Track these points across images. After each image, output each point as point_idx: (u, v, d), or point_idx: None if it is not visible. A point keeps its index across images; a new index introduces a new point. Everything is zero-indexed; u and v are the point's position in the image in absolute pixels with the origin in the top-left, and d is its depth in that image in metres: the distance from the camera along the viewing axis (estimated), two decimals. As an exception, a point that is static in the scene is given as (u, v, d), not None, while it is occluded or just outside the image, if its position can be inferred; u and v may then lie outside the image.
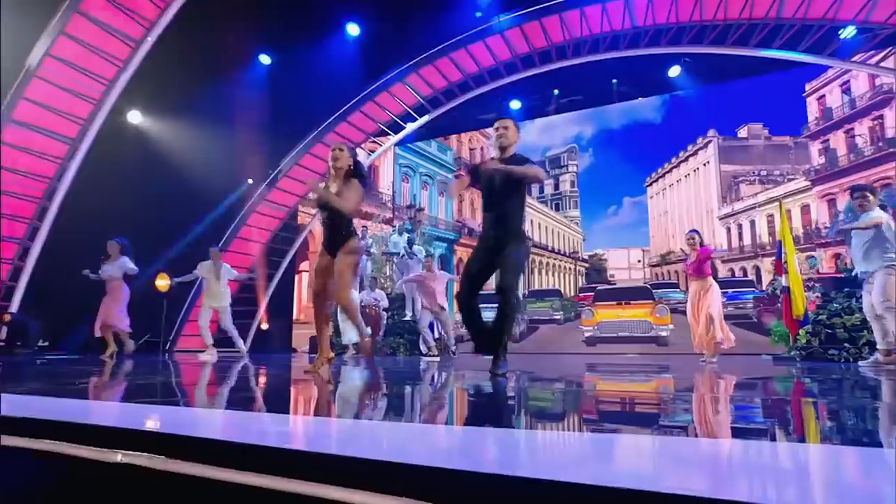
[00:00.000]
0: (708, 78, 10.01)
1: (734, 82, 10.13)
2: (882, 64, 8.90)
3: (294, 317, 12.36)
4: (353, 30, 10.53)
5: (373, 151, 12.17)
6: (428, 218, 12.62)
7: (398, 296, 10.26)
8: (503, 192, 3.56)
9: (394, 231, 11.20)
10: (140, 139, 9.94)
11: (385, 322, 9.81)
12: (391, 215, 12.54)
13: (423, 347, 9.35)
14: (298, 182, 11.33)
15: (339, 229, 3.81)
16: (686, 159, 11.07)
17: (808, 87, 10.08)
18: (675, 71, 10.19)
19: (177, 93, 9.61)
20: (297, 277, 12.60)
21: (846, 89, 9.99)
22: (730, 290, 10.12)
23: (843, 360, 6.49)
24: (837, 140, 9.85)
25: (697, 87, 10.19)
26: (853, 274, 5.69)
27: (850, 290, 6.85)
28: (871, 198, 5.18)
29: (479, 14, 9.74)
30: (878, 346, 5.21)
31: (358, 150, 11.74)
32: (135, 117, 10.10)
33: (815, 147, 9.96)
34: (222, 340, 8.53)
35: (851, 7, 7.87)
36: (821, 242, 9.69)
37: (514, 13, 9.44)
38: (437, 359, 8.20)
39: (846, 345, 6.34)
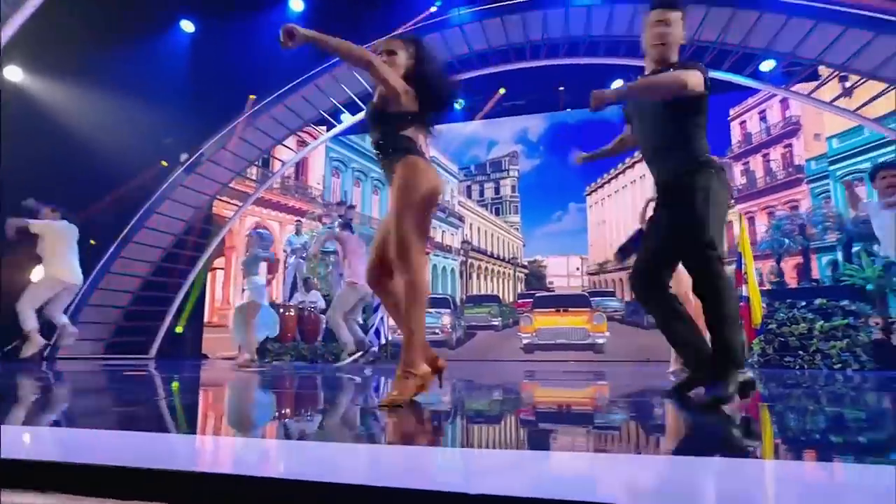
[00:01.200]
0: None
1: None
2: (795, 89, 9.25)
3: (206, 319, 10.42)
4: (296, 5, 9.11)
5: (304, 143, 10.70)
6: (360, 216, 11.35)
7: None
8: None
9: (331, 228, 9.81)
10: (22, 100, 7.73)
11: (324, 326, 8.44)
12: (321, 212, 11.11)
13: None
14: (224, 169, 9.58)
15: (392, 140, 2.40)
16: (623, 171, 10.95)
17: (732, 112, 10.37)
18: (617, 83, 9.99)
19: (75, 52, 7.63)
20: (209, 275, 10.67)
21: (763, 117, 10.40)
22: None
23: (798, 367, 6.38)
24: (756, 163, 10.20)
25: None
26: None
27: (792, 301, 6.80)
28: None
29: (436, 6, 8.81)
30: None
31: (290, 142, 10.25)
32: (13, 74, 7.88)
33: (737, 168, 10.23)
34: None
35: (785, 42, 7.95)
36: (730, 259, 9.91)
37: (476, 7, 8.64)
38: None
39: (800, 352, 6.20)
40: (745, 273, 6.49)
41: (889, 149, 8.59)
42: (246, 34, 9.10)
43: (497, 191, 11.84)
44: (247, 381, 4.07)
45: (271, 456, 1.37)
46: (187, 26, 9.61)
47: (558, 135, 10.80)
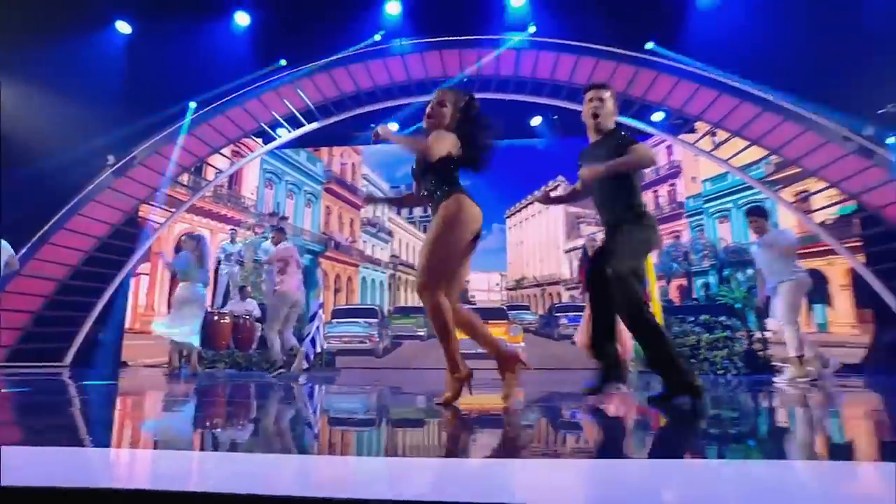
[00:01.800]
0: (563, 132, 10.86)
1: (581, 139, 11.19)
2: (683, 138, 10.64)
3: (127, 325, 9.79)
4: (241, 19, 9.04)
5: (238, 152, 10.52)
6: (292, 228, 11.28)
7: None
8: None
9: (265, 237, 9.71)
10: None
11: (258, 334, 8.34)
12: (254, 221, 10.91)
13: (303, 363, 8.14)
14: (156, 174, 9.18)
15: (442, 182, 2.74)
16: (539, 199, 11.88)
17: (630, 152, 11.63)
18: (536, 121, 10.89)
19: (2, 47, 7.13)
20: (133, 281, 10.06)
21: (654, 159, 11.79)
22: (570, 314, 10.96)
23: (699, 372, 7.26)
24: (648, 198, 11.52)
25: (555, 138, 11.00)
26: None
27: (682, 317, 7.81)
28: (760, 220, 5.29)
29: (379, 35, 9.17)
30: (789, 355, 5.04)
31: (226, 151, 10.04)
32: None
33: (634, 201, 11.48)
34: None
35: (678, 97, 9.17)
36: (637, 277, 11.10)
37: (415, 40, 9.11)
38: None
39: (691, 360, 7.15)
40: (649, 292, 7.39)
41: (749, 192, 10.16)
42: (187, 41, 8.85)
43: (424, 209, 12.28)
44: (179, 390, 3.96)
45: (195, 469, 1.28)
46: (123, 27, 9.18)
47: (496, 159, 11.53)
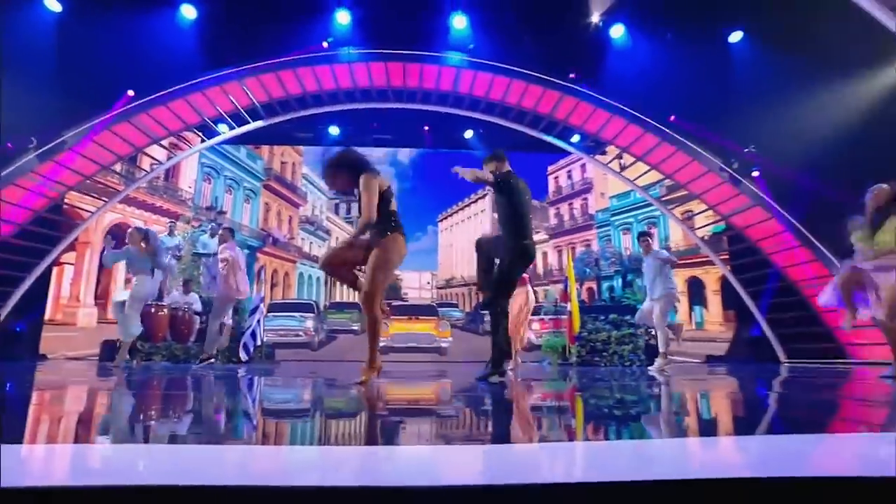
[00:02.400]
0: (492, 145, 11.56)
1: (509, 153, 11.96)
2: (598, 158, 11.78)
3: (48, 316, 9.09)
4: (188, 12, 8.74)
5: (175, 145, 10.11)
6: (230, 223, 10.98)
7: (209, 299, 8.65)
8: None
9: (203, 231, 9.43)
10: None
11: (197, 326, 8.15)
12: (192, 214, 10.50)
13: (243, 354, 8.09)
14: (88, 160, 8.62)
15: (380, 220, 3.28)
16: (469, 205, 12.47)
17: (550, 168, 12.63)
18: (468, 134, 11.51)
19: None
20: (55, 270, 9.34)
21: (569, 175, 12.87)
22: (494, 310, 11.69)
23: (603, 364, 8.04)
24: (564, 209, 12.57)
25: (485, 150, 11.67)
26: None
27: (595, 315, 8.68)
28: (650, 241, 6.21)
29: (328, 41, 9.28)
30: (660, 351, 6.01)
31: (165, 143, 9.62)
32: None
33: (552, 211, 12.48)
34: None
35: (594, 123, 10.15)
36: (552, 280, 12.09)
37: (362, 50, 9.32)
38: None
39: (603, 353, 8.01)
40: (569, 293, 8.16)
41: (648, 208, 11.48)
42: (127, 27, 8.39)
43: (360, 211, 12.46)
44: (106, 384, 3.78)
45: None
46: (52, 4, 8.50)
47: (424, 166, 11.98)
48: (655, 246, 6.52)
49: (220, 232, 6.82)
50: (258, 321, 8.45)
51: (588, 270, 11.09)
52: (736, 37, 9.17)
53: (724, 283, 11.04)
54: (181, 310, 7.99)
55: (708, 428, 1.99)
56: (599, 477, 1.00)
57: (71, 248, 9.39)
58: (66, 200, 9.17)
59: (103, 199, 8.97)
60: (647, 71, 9.18)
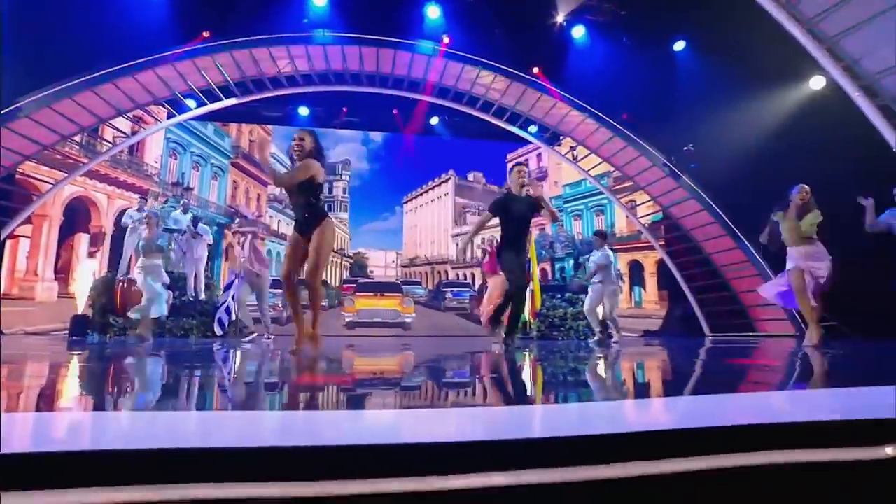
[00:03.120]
0: (456, 132, 11.76)
1: (472, 141, 12.19)
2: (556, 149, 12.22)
3: (3, 290, 8.46)
4: (159, -17, 8.22)
5: (140, 118, 9.52)
6: (198, 199, 10.54)
7: (180, 275, 8.39)
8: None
9: (175, 207, 9.02)
10: None
11: (168, 301, 7.88)
12: (159, 190, 9.98)
13: (218, 329, 7.95)
14: (46, 130, 8.00)
15: (314, 208, 3.49)
16: (433, 188, 12.61)
17: (509, 156, 12.95)
18: (434, 120, 11.61)
19: None
20: (9, 243, 8.64)
21: (526, 163, 13.26)
22: (455, 290, 12.02)
23: (561, 338, 8.56)
24: (521, 195, 12.99)
25: (450, 137, 11.84)
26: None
27: (552, 294, 9.19)
28: (600, 239, 6.92)
29: (306, 20, 9.02)
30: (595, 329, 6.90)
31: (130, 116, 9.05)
32: None
33: (510, 197, 12.85)
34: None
35: (554, 116, 10.49)
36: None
37: (338, 34, 9.13)
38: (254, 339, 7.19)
39: (561, 328, 8.52)
40: (531, 273, 8.53)
41: (598, 196, 12.12)
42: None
43: (330, 190, 12.32)
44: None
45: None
46: (5, -38, 7.72)
47: (392, 148, 11.99)
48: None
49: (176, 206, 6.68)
50: (233, 296, 8.31)
51: (543, 252, 11.61)
52: (679, 46, 9.77)
53: (660, 266, 11.95)
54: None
55: (642, 390, 2.24)
56: (552, 433, 1.10)
57: (27, 220, 8.74)
58: (18, 170, 8.48)
59: (61, 170, 8.37)
60: (603, 70, 9.63)
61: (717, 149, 9.45)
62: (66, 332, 7.72)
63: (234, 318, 8.31)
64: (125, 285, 7.42)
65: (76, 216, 9.30)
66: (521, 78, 9.76)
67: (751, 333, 9.53)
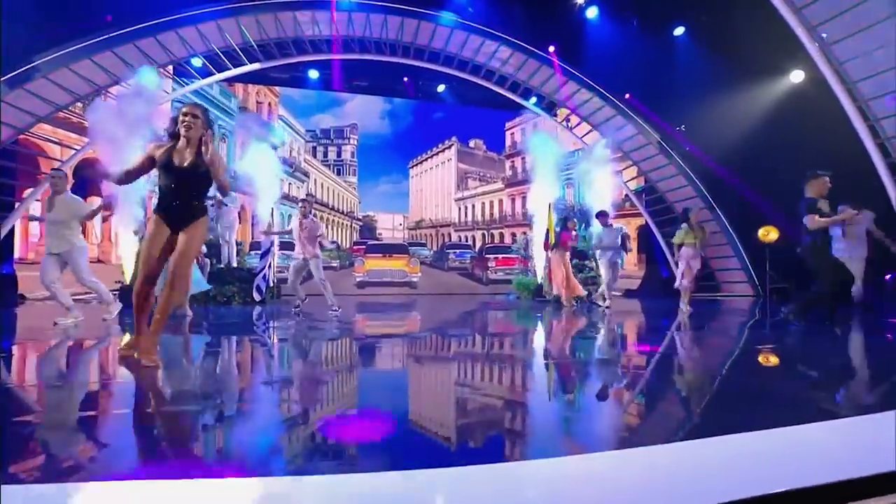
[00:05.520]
0: (460, 100, 11.76)
1: (474, 108, 12.23)
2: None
3: (19, 255, 7.96)
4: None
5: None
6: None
7: (212, 243, 8.24)
8: None
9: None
10: None
11: (207, 270, 7.80)
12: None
13: (256, 295, 8.03)
14: (63, 91, 7.36)
15: (193, 200, 2.74)
16: (437, 154, 12.65)
17: (507, 125, 13.13)
18: (441, 88, 11.52)
19: None
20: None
21: (523, 131, 13.53)
22: (458, 251, 12.46)
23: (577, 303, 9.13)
24: (517, 162, 13.32)
25: (454, 104, 11.83)
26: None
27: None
28: (604, 218, 7.32)
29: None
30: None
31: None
32: None
33: (508, 164, 13.17)
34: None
35: (564, 93, 10.68)
36: (507, 224, 13.05)
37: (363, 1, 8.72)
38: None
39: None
40: (550, 242, 8.94)
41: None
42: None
43: (339, 154, 12.05)
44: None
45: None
46: None
47: (399, 115, 11.86)
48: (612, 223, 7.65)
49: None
50: (269, 264, 8.34)
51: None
52: (679, 31, 10.16)
53: (640, 231, 12.92)
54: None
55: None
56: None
57: (34, 182, 8.14)
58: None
59: (68, 132, 7.77)
60: (612, 51, 9.91)
61: (705, 131, 10.19)
62: (95, 298, 7.54)
63: (270, 284, 8.38)
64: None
65: (85, 180, 8.66)
66: (536, 55, 9.85)
67: (717, 294, 10.78)
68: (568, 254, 7.75)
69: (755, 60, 9.20)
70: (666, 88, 10.37)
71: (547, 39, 9.89)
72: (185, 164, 2.61)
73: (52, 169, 5.38)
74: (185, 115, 2.66)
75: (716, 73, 9.62)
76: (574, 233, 7.77)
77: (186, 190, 2.66)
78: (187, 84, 8.81)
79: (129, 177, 2.73)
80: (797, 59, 8.69)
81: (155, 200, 3.04)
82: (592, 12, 9.75)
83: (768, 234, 9.61)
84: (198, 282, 5.88)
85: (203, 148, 2.63)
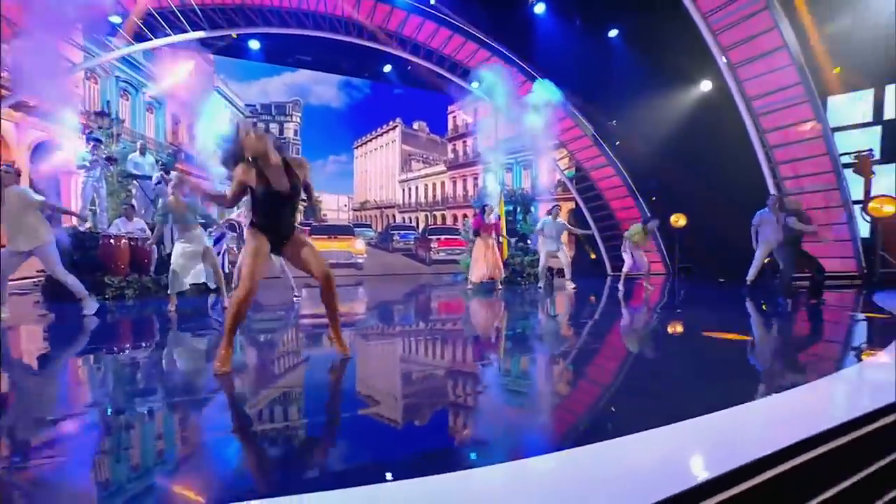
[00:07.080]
0: (407, 82, 11.67)
1: (419, 90, 12.17)
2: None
3: None
4: None
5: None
6: (131, 133, 8.95)
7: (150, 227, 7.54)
8: None
9: (132, 149, 7.71)
10: None
11: (155, 256, 7.17)
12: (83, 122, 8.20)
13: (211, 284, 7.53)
14: None
15: (293, 217, 2.79)
16: (381, 135, 12.42)
17: (450, 108, 13.26)
18: (387, 68, 11.30)
19: None
20: None
21: (464, 115, 13.75)
22: (402, 232, 12.53)
23: (524, 285, 9.71)
24: (459, 145, 13.56)
25: (400, 85, 11.70)
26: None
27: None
28: (557, 212, 8.13)
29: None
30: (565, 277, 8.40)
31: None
32: None
33: (451, 146, 13.34)
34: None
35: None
36: (448, 206, 13.32)
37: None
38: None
39: (523, 275, 9.63)
40: (500, 225, 9.40)
41: (527, 152, 13.33)
42: None
43: (281, 132, 11.32)
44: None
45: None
46: None
47: (347, 94, 11.39)
48: (563, 217, 8.42)
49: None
50: (223, 250, 7.85)
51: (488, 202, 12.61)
52: (613, 33, 10.95)
53: (570, 214, 13.95)
54: (139, 239, 6.94)
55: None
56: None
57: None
58: None
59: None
60: (555, 46, 10.44)
61: (633, 126, 11.23)
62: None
63: (226, 271, 7.89)
64: (112, 241, 6.58)
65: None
66: (486, 44, 10.07)
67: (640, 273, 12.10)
68: (491, 238, 7.99)
69: (675, 68, 10.26)
70: (603, 86, 11.19)
71: (498, 31, 10.13)
72: (286, 189, 2.61)
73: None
74: (251, 135, 2.57)
75: (643, 75, 10.58)
76: (492, 217, 8.06)
77: (288, 209, 2.72)
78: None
79: (232, 202, 2.66)
80: (709, 72, 9.85)
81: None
82: (539, 8, 10.13)
83: (678, 220, 10.98)
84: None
85: (297, 170, 2.68)
